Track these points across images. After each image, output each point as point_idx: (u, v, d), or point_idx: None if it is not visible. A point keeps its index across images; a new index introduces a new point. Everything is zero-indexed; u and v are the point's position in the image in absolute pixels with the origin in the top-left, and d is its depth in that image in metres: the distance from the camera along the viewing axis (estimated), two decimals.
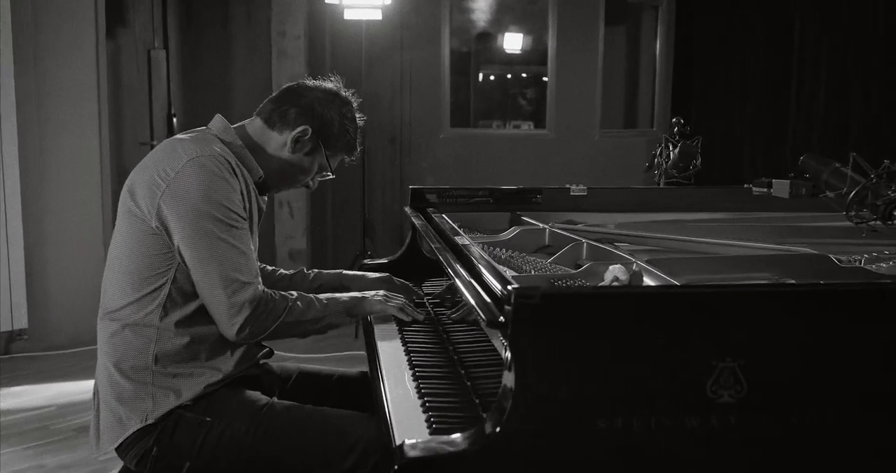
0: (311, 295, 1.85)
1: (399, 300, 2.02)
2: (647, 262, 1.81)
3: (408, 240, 2.58)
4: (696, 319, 1.22)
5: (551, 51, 5.25)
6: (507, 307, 1.20)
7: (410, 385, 1.61)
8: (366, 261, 2.62)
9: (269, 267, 2.16)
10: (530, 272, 1.91)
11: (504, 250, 2.14)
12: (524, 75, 6.48)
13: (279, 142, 1.87)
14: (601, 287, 1.37)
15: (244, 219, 1.74)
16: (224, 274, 1.66)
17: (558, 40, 5.23)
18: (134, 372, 1.71)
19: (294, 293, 1.82)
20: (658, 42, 5.54)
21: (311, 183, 1.97)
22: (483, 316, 1.27)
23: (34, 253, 4.34)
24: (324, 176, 1.97)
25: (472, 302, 1.38)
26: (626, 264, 1.82)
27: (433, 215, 2.40)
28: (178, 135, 1.83)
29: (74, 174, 4.42)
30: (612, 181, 5.44)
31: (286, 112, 1.86)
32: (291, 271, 2.17)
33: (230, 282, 1.66)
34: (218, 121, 1.90)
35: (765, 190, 2.43)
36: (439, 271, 2.34)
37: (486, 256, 1.61)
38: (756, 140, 5.33)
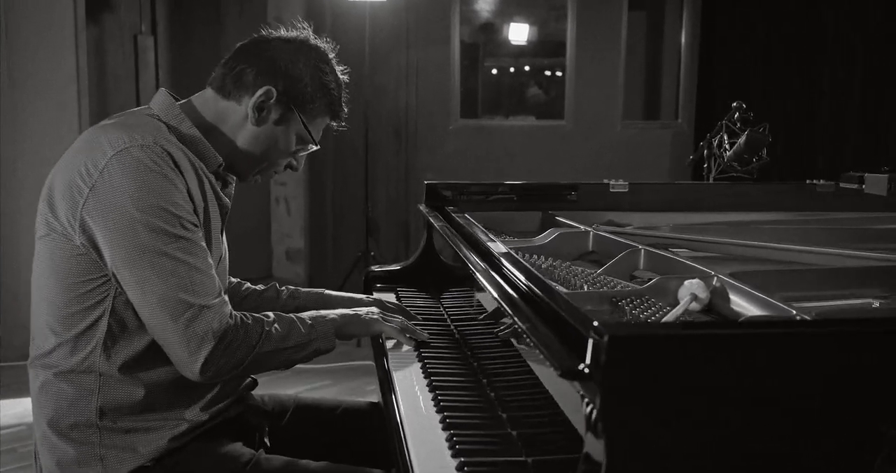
0: (291, 315, 1.48)
1: (398, 319, 1.67)
2: (731, 276, 1.46)
3: (423, 243, 2.22)
4: (863, 367, 0.86)
5: (570, 37, 4.87)
6: (591, 350, 0.84)
7: (439, 434, 1.25)
8: (373, 268, 2.26)
9: (234, 280, 1.77)
10: (582, 287, 1.55)
11: (542, 258, 1.79)
12: (527, 68, 6.14)
13: (240, 114, 1.47)
14: (722, 323, 1.01)
15: (195, 226, 1.35)
16: (174, 299, 1.28)
17: (578, 25, 4.85)
18: (75, 431, 1.35)
19: (270, 314, 1.45)
20: (683, 28, 5.17)
21: (293, 161, 1.56)
22: (555, 364, 0.91)
23: (7, 255, 3.99)
24: (306, 148, 1.55)
25: (536, 343, 1.02)
26: (705, 278, 1.47)
27: (454, 214, 2.04)
28: (106, 121, 1.42)
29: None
30: (636, 176, 5.08)
31: (242, 74, 1.45)
32: (261, 286, 1.79)
33: (183, 309, 1.28)
34: (160, 97, 1.47)
35: (856, 186, 2.08)
36: (460, 279, 1.99)
37: (543, 277, 1.24)
38: (785, 135, 4.94)
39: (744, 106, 2.22)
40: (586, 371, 0.85)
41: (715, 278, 1.46)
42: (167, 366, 1.35)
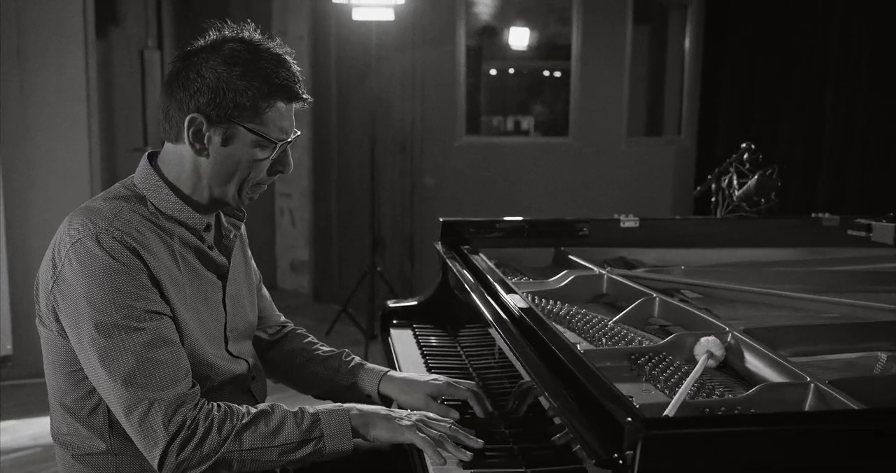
0: (294, 409, 1.35)
1: (442, 426, 1.38)
2: (745, 332, 1.51)
3: (439, 280, 2.27)
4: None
5: (575, 52, 4.88)
6: (627, 444, 0.89)
7: None
8: (389, 304, 2.30)
9: (289, 326, 1.70)
10: (601, 339, 1.60)
11: (557, 304, 1.84)
12: (525, 71, 6.16)
13: (189, 154, 1.36)
14: (760, 417, 1.04)
15: (157, 314, 1.29)
16: (126, 394, 1.25)
17: (583, 42, 4.87)
18: None
19: (263, 405, 1.36)
20: (687, 43, 5.19)
21: (278, 166, 1.41)
22: (589, 452, 0.96)
23: (19, 272, 4.02)
24: (275, 149, 1.37)
25: (569, 426, 1.07)
26: (720, 334, 1.52)
27: (470, 255, 2.09)
28: (93, 199, 1.41)
29: (62, 184, 4.09)
30: (641, 194, 5.12)
31: (168, 112, 1.36)
32: (325, 349, 1.69)
33: (136, 402, 1.25)
34: (141, 167, 1.41)
35: (863, 233, 2.13)
36: (476, 316, 2.03)
37: (576, 350, 1.28)
38: (787, 154, 4.90)
39: (752, 147, 2.27)
40: (621, 462, 0.90)
41: (730, 334, 1.51)
42: None
